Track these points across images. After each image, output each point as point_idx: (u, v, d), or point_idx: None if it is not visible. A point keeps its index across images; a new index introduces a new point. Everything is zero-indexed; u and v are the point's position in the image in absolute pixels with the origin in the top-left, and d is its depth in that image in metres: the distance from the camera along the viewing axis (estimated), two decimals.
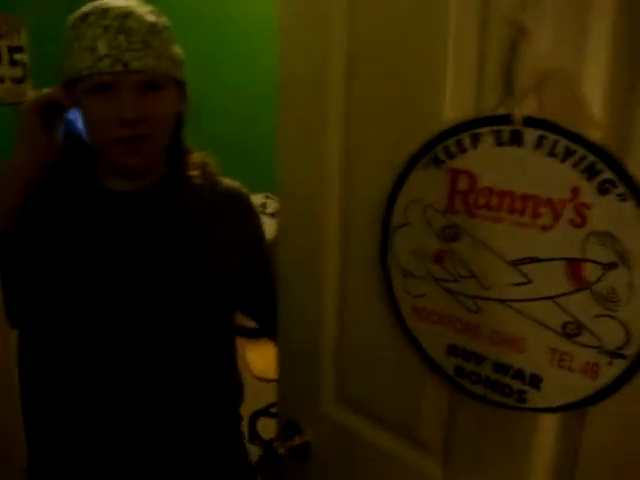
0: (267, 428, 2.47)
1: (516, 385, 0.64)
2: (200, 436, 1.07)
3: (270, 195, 3.59)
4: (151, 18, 0.95)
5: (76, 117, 1.01)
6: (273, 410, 2.65)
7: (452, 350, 0.69)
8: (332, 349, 0.86)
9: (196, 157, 1.10)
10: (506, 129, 0.61)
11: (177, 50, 0.99)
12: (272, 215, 2.91)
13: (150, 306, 0.99)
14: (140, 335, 0.98)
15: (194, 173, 1.08)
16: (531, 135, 0.59)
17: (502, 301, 0.64)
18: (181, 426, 1.04)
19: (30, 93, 1.00)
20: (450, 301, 0.68)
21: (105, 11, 0.92)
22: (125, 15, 0.92)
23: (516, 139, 0.60)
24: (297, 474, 0.95)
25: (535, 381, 0.63)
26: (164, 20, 0.98)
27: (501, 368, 0.65)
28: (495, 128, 0.62)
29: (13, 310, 0.97)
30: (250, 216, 1.15)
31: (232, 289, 1.09)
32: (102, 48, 0.91)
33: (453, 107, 0.65)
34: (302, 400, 0.93)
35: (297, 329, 0.91)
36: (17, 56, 4.17)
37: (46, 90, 0.97)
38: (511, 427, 0.67)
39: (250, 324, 1.27)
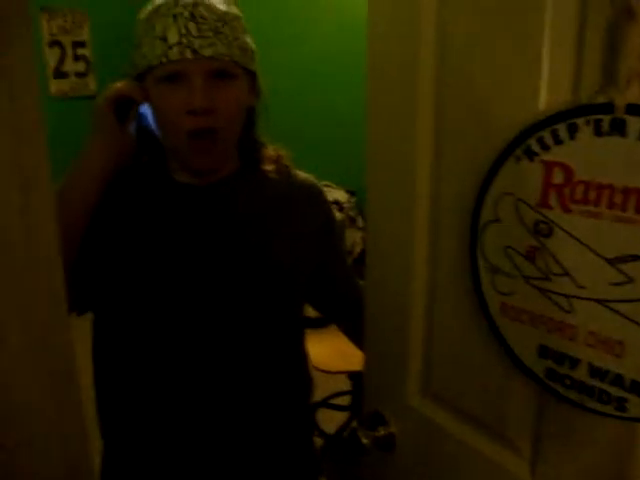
0: (326, 420, 2.47)
1: (615, 392, 0.61)
2: (270, 426, 1.07)
3: (330, 184, 3.60)
4: (222, 7, 0.95)
5: (147, 111, 1.01)
6: (332, 402, 2.67)
7: (543, 351, 0.66)
8: (419, 343, 0.84)
9: (270, 150, 1.09)
10: (606, 118, 0.57)
11: (248, 40, 0.99)
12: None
13: (221, 298, 0.99)
14: (212, 326, 0.99)
15: (268, 167, 1.07)
16: (635, 124, 0.55)
17: (599, 301, 0.61)
18: (251, 416, 1.04)
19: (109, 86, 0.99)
20: (541, 300, 0.65)
21: (176, 1, 0.92)
22: (195, 4, 0.92)
23: (618, 128, 0.56)
24: (380, 465, 0.94)
25: (637, 388, 0.59)
26: (235, 10, 0.98)
27: (598, 373, 0.62)
28: (594, 117, 0.58)
29: (83, 301, 0.99)
30: (323, 209, 1.14)
31: (303, 281, 1.09)
32: (172, 37, 0.91)
33: (548, 95, 0.62)
34: (388, 391, 0.92)
35: (385, 321, 0.90)
36: (80, 51, 4.29)
37: (118, 84, 0.98)
38: (608, 434, 0.64)
39: (311, 314, 1.26)
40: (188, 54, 0.90)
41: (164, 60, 0.91)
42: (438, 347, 0.82)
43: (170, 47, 0.91)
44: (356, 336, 1.26)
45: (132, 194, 1.02)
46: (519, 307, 0.67)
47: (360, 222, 3.70)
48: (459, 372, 0.80)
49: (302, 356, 1.15)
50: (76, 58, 4.28)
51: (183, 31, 0.90)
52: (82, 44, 4.31)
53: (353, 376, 2.42)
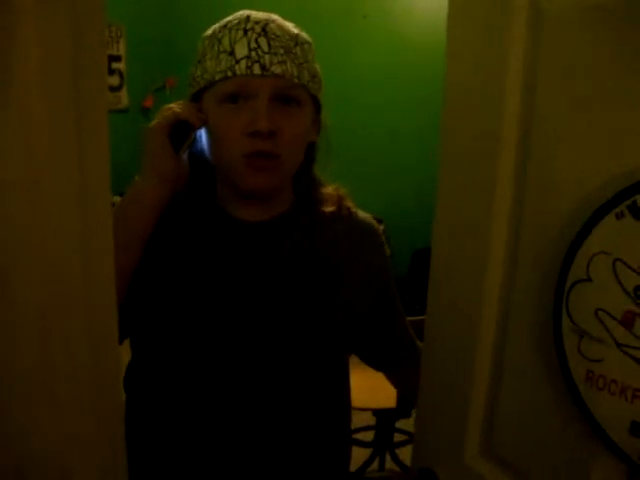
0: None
1: None
2: (309, 467, 1.00)
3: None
4: (294, 29, 0.91)
5: (199, 133, 0.95)
6: (355, 437, 2.59)
7: (636, 429, 0.60)
8: (483, 400, 0.78)
9: (330, 190, 1.03)
10: None
11: (317, 68, 0.94)
12: None
13: (265, 344, 0.93)
14: (253, 370, 0.93)
15: (329, 208, 1.00)
16: None
17: None
18: (289, 459, 0.98)
19: (168, 107, 0.92)
20: (637, 371, 0.59)
21: (247, 17, 0.88)
22: (268, 21, 0.88)
23: None
24: None
25: None
26: (307, 36, 0.94)
27: None
28: None
29: (126, 331, 0.94)
30: (381, 254, 1.07)
31: (353, 330, 1.03)
32: (240, 50, 0.85)
33: None
34: (443, 449, 0.85)
35: (444, 373, 0.84)
36: (115, 65, 4.31)
37: (175, 107, 0.91)
38: None
39: None
40: (256, 69, 0.85)
41: (229, 74, 0.86)
42: (504, 408, 0.76)
43: (237, 61, 0.85)
44: (403, 386, 1.20)
45: (180, 225, 0.96)
46: (609, 377, 0.61)
47: (387, 250, 3.64)
48: (528, 438, 0.73)
49: (344, 398, 1.09)
50: (111, 72, 4.30)
51: (253, 45, 0.85)
52: (117, 58, 4.34)
53: (378, 413, 2.35)
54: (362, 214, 1.06)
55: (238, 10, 0.92)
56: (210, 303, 0.92)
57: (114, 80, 4.31)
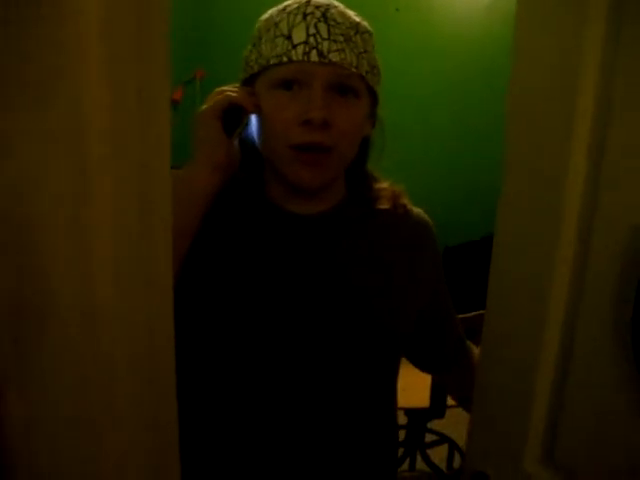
0: None
1: None
2: (357, 469, 0.96)
3: None
4: (356, 18, 0.87)
5: (249, 121, 0.91)
6: None
7: None
8: (547, 404, 0.73)
9: (385, 185, 0.99)
10: None
11: (377, 60, 0.90)
12: None
13: (314, 344, 0.88)
14: (302, 369, 0.88)
15: (384, 205, 0.96)
16: None
17: None
18: (337, 462, 0.94)
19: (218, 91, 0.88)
20: None
21: (307, 1, 0.84)
22: (329, 7, 0.84)
23: None
24: None
25: None
26: (368, 26, 0.89)
27: None
28: None
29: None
30: (434, 250, 1.03)
31: (407, 332, 0.98)
32: (298, 35, 0.81)
33: None
34: (499, 451, 0.81)
35: (504, 374, 0.79)
36: None
37: (228, 90, 0.87)
38: None
39: None
40: (314, 56, 0.81)
41: (285, 59, 0.82)
42: (571, 412, 0.71)
43: (294, 46, 0.81)
44: (457, 388, 1.16)
45: (227, 215, 0.92)
46: None
47: None
48: (596, 446, 0.68)
49: (393, 408, 1.04)
50: None
51: (312, 30, 0.81)
52: None
53: (410, 412, 2.31)
54: (417, 212, 1.01)
55: (270, 4, 0.89)
56: (259, 300, 0.87)
57: None
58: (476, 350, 1.09)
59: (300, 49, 0.81)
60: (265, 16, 0.88)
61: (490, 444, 0.83)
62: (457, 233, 3.57)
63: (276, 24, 0.84)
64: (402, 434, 2.47)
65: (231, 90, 0.87)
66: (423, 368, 1.14)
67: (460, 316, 1.53)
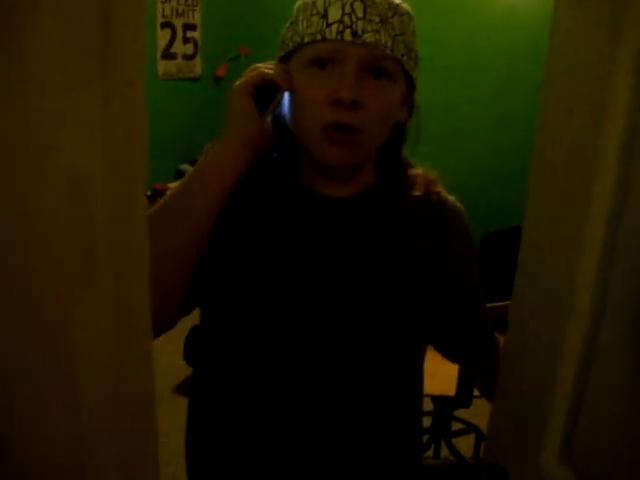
0: None
1: None
2: (381, 458, 0.95)
3: None
4: None
5: (283, 99, 0.89)
6: None
7: None
8: (567, 402, 0.71)
9: (418, 172, 0.96)
10: None
11: (415, 44, 0.86)
12: None
13: (348, 325, 0.87)
14: (331, 354, 0.87)
15: (417, 192, 0.94)
16: None
17: None
18: (358, 459, 0.93)
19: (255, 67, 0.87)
20: None
21: None
22: None
23: None
24: None
25: None
26: (408, 8, 0.86)
27: None
28: None
29: (195, 301, 0.90)
30: (467, 238, 1.00)
31: (437, 320, 0.97)
32: (334, 13, 0.80)
33: None
34: (517, 447, 0.79)
35: (526, 368, 0.78)
36: (190, 34, 4.33)
37: (262, 67, 0.86)
38: None
39: None
40: (347, 35, 0.79)
41: (318, 37, 0.80)
42: (591, 411, 0.69)
43: (329, 25, 0.80)
44: (482, 378, 1.14)
45: (257, 196, 0.91)
46: None
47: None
48: (615, 449, 0.66)
49: (419, 396, 1.02)
50: (185, 40, 4.33)
51: (347, 9, 0.79)
52: (193, 27, 4.36)
53: (437, 400, 2.29)
54: (450, 199, 0.98)
55: None
56: (284, 282, 0.86)
57: (188, 49, 4.34)
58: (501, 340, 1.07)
59: (334, 28, 0.79)
60: None
61: (509, 438, 0.82)
62: (496, 219, 3.51)
63: (313, 2, 0.83)
64: (428, 421, 2.46)
65: (266, 67, 0.86)
66: (448, 356, 1.12)
67: (493, 305, 1.50)
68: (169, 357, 2.86)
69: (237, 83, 0.85)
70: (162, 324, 0.84)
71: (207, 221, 0.83)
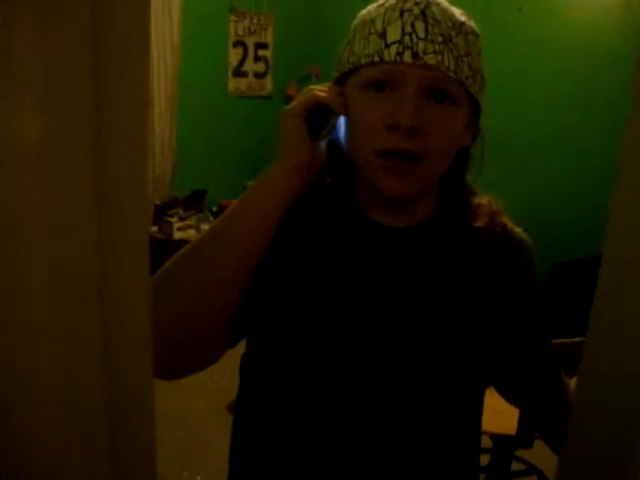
0: None
1: None
2: None
3: None
4: (461, 17, 0.78)
5: (339, 123, 0.84)
6: None
7: None
8: None
9: (483, 201, 0.89)
10: None
11: (481, 65, 0.81)
12: None
13: (394, 366, 0.82)
14: (379, 386, 0.82)
15: (480, 223, 0.87)
16: None
17: None
18: None
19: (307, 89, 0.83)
20: None
21: None
22: (429, 4, 0.76)
23: None
24: None
25: None
26: (475, 27, 0.80)
27: None
28: None
29: (242, 332, 0.86)
30: (535, 280, 0.92)
31: (498, 362, 0.89)
32: (393, 33, 0.74)
33: None
34: None
35: (601, 415, 0.70)
36: (262, 52, 4.40)
37: (316, 89, 0.81)
38: None
39: None
40: (407, 57, 0.74)
41: (376, 59, 0.75)
42: None
43: (387, 45, 0.74)
44: (547, 427, 1.05)
45: (310, 224, 0.86)
46: None
47: None
48: None
49: (477, 441, 0.94)
50: (257, 59, 4.41)
51: (408, 29, 0.74)
52: (264, 45, 4.43)
53: (496, 437, 2.18)
54: (518, 231, 0.91)
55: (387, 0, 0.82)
56: (336, 313, 0.82)
57: (259, 67, 4.41)
58: (572, 383, 0.99)
59: (393, 49, 0.74)
60: (363, 12, 0.82)
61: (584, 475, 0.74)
62: (567, 248, 3.35)
63: (372, 20, 0.78)
64: (486, 459, 2.34)
65: (320, 89, 0.81)
66: (509, 400, 1.04)
67: (562, 341, 1.40)
68: (223, 376, 2.86)
69: (289, 106, 0.81)
70: (211, 353, 0.81)
71: (254, 250, 0.79)
